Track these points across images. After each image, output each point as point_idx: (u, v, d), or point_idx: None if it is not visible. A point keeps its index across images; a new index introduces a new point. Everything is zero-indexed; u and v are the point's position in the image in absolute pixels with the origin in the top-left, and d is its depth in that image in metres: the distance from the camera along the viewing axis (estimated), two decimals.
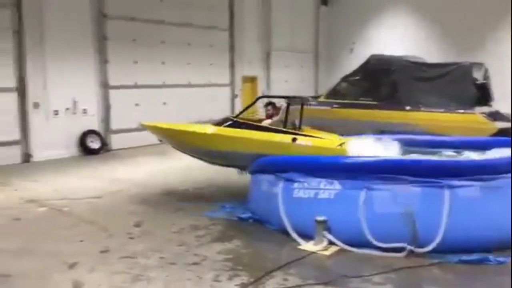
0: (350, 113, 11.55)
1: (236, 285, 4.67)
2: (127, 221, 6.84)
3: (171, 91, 14.88)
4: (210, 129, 7.67)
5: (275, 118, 8.10)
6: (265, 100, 12.55)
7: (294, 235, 5.77)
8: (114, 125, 13.43)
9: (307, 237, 5.69)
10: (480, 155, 6.77)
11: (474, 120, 10.38)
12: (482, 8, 16.85)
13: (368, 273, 4.85)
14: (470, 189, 5.40)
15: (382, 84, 11.73)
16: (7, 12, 11.15)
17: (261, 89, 18.65)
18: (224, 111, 17.02)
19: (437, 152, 7.18)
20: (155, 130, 8.28)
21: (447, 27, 17.71)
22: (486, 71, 11.21)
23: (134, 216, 7.06)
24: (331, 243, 5.57)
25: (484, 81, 11.01)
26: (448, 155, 7.04)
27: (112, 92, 13.37)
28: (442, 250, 5.21)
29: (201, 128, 7.91)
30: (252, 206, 6.81)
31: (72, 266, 5.18)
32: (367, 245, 5.41)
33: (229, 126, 7.61)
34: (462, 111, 10.64)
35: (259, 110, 8.55)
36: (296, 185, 5.99)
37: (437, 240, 5.21)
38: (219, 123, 7.85)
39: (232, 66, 17.24)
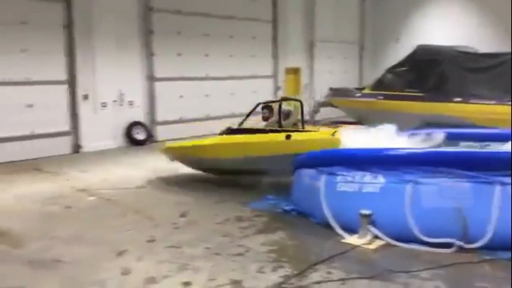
0: (396, 105, 11.31)
1: (280, 276, 4.68)
2: (172, 211, 6.99)
3: (214, 83, 15.02)
4: (209, 140, 8.28)
5: (271, 120, 8.44)
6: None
7: (338, 229, 5.72)
8: (159, 117, 13.70)
9: (351, 231, 5.63)
10: None
11: None
12: None
13: (415, 268, 4.75)
14: None
15: (429, 75, 11.40)
16: (58, 8, 11.55)
17: (304, 81, 18.53)
18: None
19: (486, 145, 6.93)
20: (168, 151, 8.85)
21: (500, 13, 16.76)
22: None
23: (179, 206, 7.20)
24: (375, 237, 5.48)
25: None
26: (496, 148, 6.77)
27: (157, 85, 13.62)
28: (493, 246, 5.03)
29: (202, 140, 8.52)
30: (295, 200, 6.78)
31: (120, 254, 5.34)
32: (413, 240, 5.29)
33: (228, 134, 8.07)
34: None
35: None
36: (339, 178, 5.93)
37: (488, 236, 5.03)
38: (221, 133, 8.27)
39: (275, 57, 17.20)
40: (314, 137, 7.38)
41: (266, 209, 6.93)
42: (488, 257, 4.96)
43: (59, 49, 11.60)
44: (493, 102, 10.43)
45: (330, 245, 5.50)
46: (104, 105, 12.48)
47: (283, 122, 8.24)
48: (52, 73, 11.49)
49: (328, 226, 5.86)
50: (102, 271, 4.87)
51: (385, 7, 20.16)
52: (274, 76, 17.32)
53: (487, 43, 14.48)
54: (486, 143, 6.93)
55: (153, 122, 13.64)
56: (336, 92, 13.67)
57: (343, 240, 5.56)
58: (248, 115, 8.46)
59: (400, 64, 12.13)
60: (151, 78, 13.52)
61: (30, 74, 11.10)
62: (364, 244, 5.39)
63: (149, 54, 13.39)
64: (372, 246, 5.36)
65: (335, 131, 7.26)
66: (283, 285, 4.49)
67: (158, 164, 10.37)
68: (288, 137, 7.39)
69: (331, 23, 19.00)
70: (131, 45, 12.98)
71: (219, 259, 5.15)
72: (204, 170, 8.67)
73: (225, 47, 15.28)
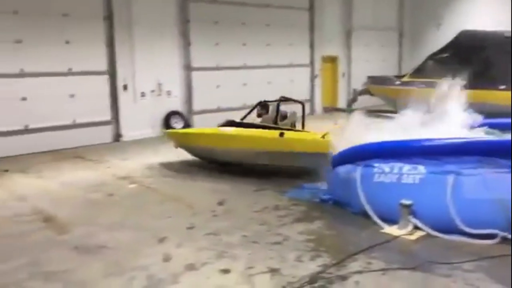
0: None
1: (318, 266, 4.68)
2: (210, 198, 7.07)
3: (251, 72, 15.02)
4: (207, 130, 8.70)
5: (265, 117, 8.63)
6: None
7: (375, 218, 5.65)
8: (196, 106, 13.84)
9: (389, 221, 5.56)
10: None
11: None
12: None
13: (457, 260, 4.64)
14: None
15: (473, 62, 11.01)
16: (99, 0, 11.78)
17: (341, 69, 18.29)
18: (303, 92, 16.96)
19: None
20: (172, 136, 9.33)
21: None
22: None
23: (217, 194, 7.28)
24: (416, 227, 5.39)
25: None
26: None
27: (194, 74, 13.74)
28: None
29: (200, 129, 8.92)
30: (332, 190, 6.72)
31: (161, 240, 5.45)
32: (454, 231, 5.17)
33: (226, 126, 8.46)
34: None
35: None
36: (376, 169, 5.85)
37: None
38: (221, 125, 8.65)
39: (312, 46, 17.02)
40: (305, 137, 7.71)
41: (303, 198, 6.92)
42: None
43: (100, 40, 11.87)
44: None
45: (369, 235, 5.45)
46: (143, 95, 12.71)
47: (280, 123, 8.46)
48: (93, 63, 11.77)
49: (366, 216, 5.80)
50: (144, 257, 4.99)
51: None
52: (311, 64, 17.16)
53: None
54: None
55: (191, 111, 13.79)
56: (374, 80, 13.44)
57: (382, 230, 5.49)
58: (251, 110, 8.76)
59: (442, 50, 11.78)
60: (188, 68, 13.65)
61: (72, 65, 11.41)
62: (404, 234, 5.31)
63: (186, 44, 13.50)
64: (412, 237, 5.27)
65: (325, 134, 7.51)
66: (321, 275, 4.48)
67: None
68: (281, 134, 7.70)
69: (369, 10, 18.61)
70: (169, 35, 13.13)
71: (257, 247, 5.19)
72: (201, 157, 9.00)
73: (262, 35, 15.23)
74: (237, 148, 8.04)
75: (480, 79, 10.65)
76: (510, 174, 5.15)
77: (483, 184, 5.23)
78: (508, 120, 7.12)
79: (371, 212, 5.74)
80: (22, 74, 10.69)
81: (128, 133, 12.33)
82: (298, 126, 8.78)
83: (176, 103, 13.44)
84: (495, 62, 10.75)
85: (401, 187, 5.61)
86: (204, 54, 13.81)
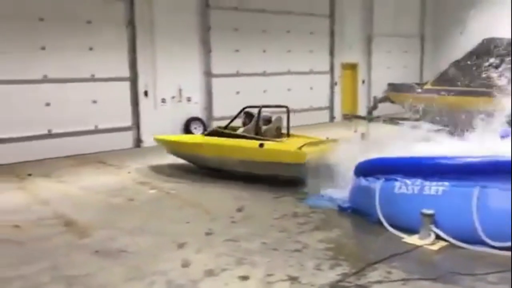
0: (460, 101, 10.82)
1: (337, 274, 4.64)
2: (229, 205, 7.09)
3: (271, 79, 15.05)
4: (191, 138, 9.14)
5: (247, 127, 8.74)
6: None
7: (392, 230, 5.59)
8: (216, 113, 13.90)
9: (409, 232, 5.49)
10: None
11: None
12: None
13: (481, 271, 4.54)
14: None
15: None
16: (121, 6, 11.98)
17: (361, 76, 18.20)
18: (323, 99, 16.92)
19: None
20: (161, 143, 9.74)
21: None
22: None
23: (236, 200, 7.29)
24: (437, 237, 5.30)
25: None
26: None
27: (214, 81, 13.83)
28: None
29: (185, 137, 9.36)
30: (352, 198, 6.67)
31: (180, 246, 5.48)
32: (477, 242, 5.08)
33: (211, 135, 8.80)
34: None
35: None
36: (398, 182, 5.79)
37: None
38: (206, 134, 9.01)
39: (332, 52, 16.99)
40: (283, 148, 7.93)
41: (322, 206, 6.88)
42: None
43: (122, 47, 12.05)
44: None
45: (389, 245, 5.38)
46: (163, 101, 12.84)
47: (264, 127, 8.70)
48: (115, 70, 11.95)
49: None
50: (164, 262, 5.01)
51: None
52: (331, 71, 17.11)
53: None
54: None
55: (211, 117, 13.86)
56: (395, 88, 13.28)
57: (403, 240, 5.42)
58: (233, 118, 9.03)
59: (465, 57, 11.59)
60: (209, 74, 13.74)
61: (95, 71, 11.60)
62: (426, 244, 5.23)
63: (207, 51, 13.61)
64: (434, 247, 5.19)
65: (303, 145, 7.75)
66: (341, 283, 4.44)
67: None
68: (261, 145, 8.02)
69: (390, 16, 18.49)
70: (190, 42, 13.25)
71: (276, 255, 5.17)
72: (193, 162, 9.35)
73: (282, 42, 15.26)
74: (219, 156, 8.44)
75: (503, 87, 10.45)
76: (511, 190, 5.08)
77: (508, 196, 5.13)
78: None
79: (386, 224, 5.70)
80: (46, 80, 10.91)
81: (148, 139, 12.40)
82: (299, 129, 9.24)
83: (196, 109, 13.53)
84: None
85: (423, 198, 5.53)
86: (224, 60, 13.89)
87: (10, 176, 9.17)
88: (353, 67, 17.98)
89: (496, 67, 10.83)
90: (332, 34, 16.92)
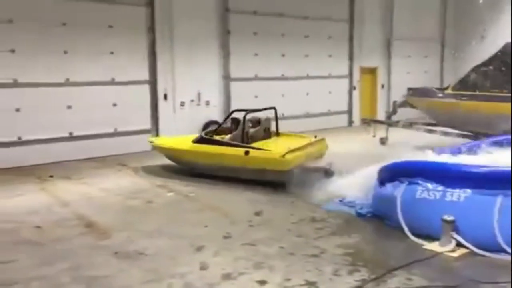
0: (481, 106, 10.66)
1: (356, 280, 4.60)
2: (247, 208, 7.10)
3: (289, 83, 15.05)
4: (180, 145, 9.30)
5: (235, 133, 8.96)
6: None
7: (412, 237, 5.54)
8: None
9: (430, 238, 5.43)
10: None
11: None
12: None
13: (503, 279, 4.47)
14: None
15: None
16: (142, 11, 12.11)
17: (380, 81, 18.08)
18: (341, 104, 16.85)
19: None
20: (156, 148, 10.00)
21: None
22: None
23: (254, 204, 7.30)
24: (458, 245, 5.23)
25: None
26: None
27: (233, 84, 13.88)
28: None
29: (177, 144, 9.50)
30: (374, 204, 6.61)
31: (198, 249, 5.50)
32: (497, 250, 5.01)
33: (199, 142, 8.99)
34: None
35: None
36: (420, 186, 5.73)
37: None
38: (194, 141, 9.15)
39: (351, 57, 16.92)
40: (267, 156, 8.14)
41: (340, 211, 6.84)
42: None
43: (142, 51, 12.17)
44: None
45: (409, 251, 5.33)
46: (182, 104, 12.93)
47: (252, 130, 9.03)
48: (135, 73, 12.08)
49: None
50: (182, 265, 5.04)
51: (469, 1, 19.10)
52: (350, 76, 17.03)
53: None
54: None
55: None
56: (415, 92, 13.15)
57: (424, 246, 5.36)
58: (222, 122, 9.34)
59: (487, 62, 11.41)
60: (227, 78, 13.80)
61: (115, 74, 11.74)
62: (446, 251, 5.16)
63: (226, 55, 13.68)
64: (454, 254, 5.12)
65: (286, 152, 7.99)
66: None
67: None
68: (246, 153, 8.27)
69: (410, 20, 18.32)
70: (209, 46, 13.33)
71: (294, 259, 5.16)
72: (184, 166, 9.58)
73: (301, 47, 15.26)
74: (206, 163, 8.74)
75: None
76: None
77: None
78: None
79: (406, 230, 5.63)
80: (68, 83, 11.08)
81: None
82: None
83: (215, 113, 13.59)
84: None
85: (444, 204, 5.46)
86: (243, 64, 13.94)
87: (32, 177, 9.32)
88: (372, 71, 17.87)
89: None
90: (351, 38, 16.85)
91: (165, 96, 12.63)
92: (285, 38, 14.86)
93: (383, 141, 12.26)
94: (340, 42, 16.53)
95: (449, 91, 11.63)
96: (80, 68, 11.18)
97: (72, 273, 4.89)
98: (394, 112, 13.58)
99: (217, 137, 9.09)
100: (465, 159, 6.52)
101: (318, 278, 4.67)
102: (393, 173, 6.27)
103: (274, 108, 9.39)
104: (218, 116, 13.65)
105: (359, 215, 6.60)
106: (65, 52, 10.97)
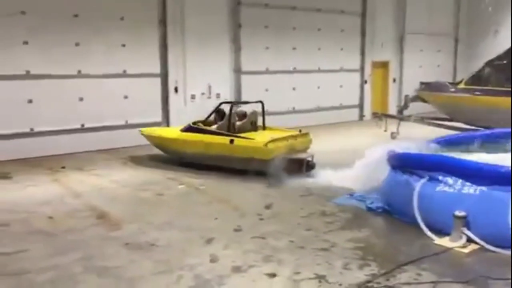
0: (495, 101, 10.55)
1: (366, 275, 4.60)
2: (257, 202, 7.12)
3: (300, 76, 15.00)
4: (170, 134, 9.63)
5: (221, 123, 9.20)
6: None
7: (427, 231, 5.48)
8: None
9: (443, 232, 5.39)
10: None
11: None
12: None
13: None
14: None
15: None
16: (154, 3, 12.12)
17: (392, 75, 17.96)
18: (353, 98, 16.77)
19: None
20: (146, 137, 10.15)
21: None
22: None
23: (263, 198, 7.31)
24: (469, 240, 5.20)
25: None
26: None
27: (244, 78, 13.87)
28: None
29: (167, 132, 9.89)
30: (384, 196, 6.59)
31: (208, 241, 5.53)
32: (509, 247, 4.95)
33: (187, 131, 9.24)
34: None
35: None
36: (441, 181, 5.69)
37: None
38: (183, 130, 9.41)
39: (363, 51, 16.80)
40: (251, 144, 8.42)
41: (350, 205, 6.83)
42: None
43: (154, 43, 12.20)
44: None
45: (419, 246, 5.31)
46: (193, 97, 12.94)
47: (239, 123, 9.23)
48: (146, 66, 12.11)
49: (418, 226, 5.65)
50: (192, 257, 5.07)
51: None
52: (361, 69, 16.93)
53: None
54: None
55: None
56: (427, 87, 13.06)
57: (434, 242, 5.34)
58: (210, 114, 9.58)
59: (501, 57, 11.29)
60: (238, 71, 13.79)
61: (127, 67, 11.78)
62: (457, 247, 5.13)
63: (237, 48, 13.66)
64: (465, 250, 5.10)
65: (269, 141, 8.30)
66: (369, 284, 4.41)
67: None
68: (231, 141, 8.52)
69: (423, 14, 18.15)
70: (220, 39, 13.31)
71: (304, 253, 5.16)
72: (173, 155, 9.80)
73: (313, 40, 15.19)
74: (193, 151, 9.00)
75: None
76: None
77: None
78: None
79: (422, 224, 5.57)
80: (79, 75, 11.15)
81: None
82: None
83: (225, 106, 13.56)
84: None
85: (460, 198, 5.41)
86: (254, 58, 13.92)
87: (44, 168, 9.42)
88: (384, 65, 17.75)
89: None
90: (363, 32, 16.73)
91: (176, 89, 12.66)
92: (297, 31, 14.79)
93: (394, 136, 12.19)
94: (352, 36, 16.42)
95: (462, 85, 11.53)
96: (92, 60, 11.23)
97: (84, 263, 4.95)
98: (406, 106, 13.50)
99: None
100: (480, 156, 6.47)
101: (328, 271, 4.67)
102: (407, 164, 6.23)
103: (261, 102, 9.71)
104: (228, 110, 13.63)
105: (369, 209, 6.58)
106: (77, 44, 11.03)
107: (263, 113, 9.69)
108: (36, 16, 10.39)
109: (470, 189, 5.41)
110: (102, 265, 4.90)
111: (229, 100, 13.50)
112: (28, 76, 10.46)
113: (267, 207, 6.88)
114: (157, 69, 12.34)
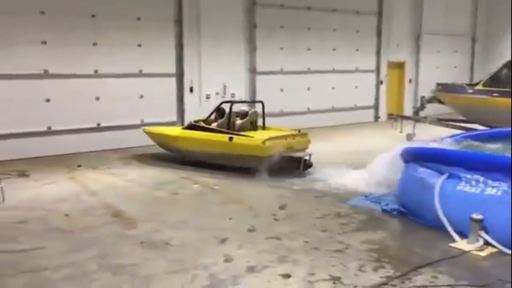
0: None
1: (381, 277, 4.56)
2: (271, 202, 7.11)
3: (315, 76, 14.95)
4: (172, 131, 9.80)
5: (220, 121, 9.38)
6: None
7: (452, 232, 5.41)
8: (259, 110, 13.90)
9: (461, 234, 5.33)
10: None
11: None
12: None
13: None
14: None
15: None
16: (170, 4, 12.19)
17: (408, 75, 17.81)
18: (368, 99, 16.66)
19: None
20: (148, 135, 10.36)
21: None
22: None
23: (278, 199, 7.30)
24: (487, 243, 5.13)
25: None
26: None
27: (258, 78, 13.87)
28: None
29: (169, 130, 10.05)
30: (401, 197, 6.53)
31: (223, 241, 5.54)
32: None
33: (188, 129, 9.51)
34: None
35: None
36: (459, 179, 5.62)
37: None
38: (184, 128, 9.73)
39: (378, 51, 16.68)
40: (249, 142, 8.59)
41: (365, 207, 6.79)
42: None
43: (170, 43, 12.27)
44: None
45: (435, 249, 5.25)
46: (208, 97, 12.98)
47: (239, 121, 9.37)
48: (162, 66, 12.19)
49: (434, 228, 5.59)
50: (206, 256, 5.08)
51: None
52: (377, 70, 16.81)
53: None
54: None
55: None
56: (444, 88, 12.91)
57: (450, 244, 5.28)
58: (212, 113, 9.70)
59: None
60: (253, 71, 13.80)
61: (143, 66, 11.86)
62: (474, 250, 5.07)
63: (252, 48, 13.67)
64: (483, 253, 5.03)
65: (267, 139, 8.46)
66: (384, 286, 4.37)
67: None
68: (230, 139, 8.69)
69: (440, 14, 17.95)
70: (235, 39, 13.34)
71: (318, 254, 5.14)
72: (174, 153, 10.00)
73: (328, 40, 15.13)
74: (193, 148, 9.19)
75: None
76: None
77: None
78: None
79: (447, 225, 5.47)
80: (96, 75, 11.26)
81: None
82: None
83: (246, 106, 13.57)
84: None
85: (482, 199, 5.35)
86: (269, 58, 13.91)
87: (61, 167, 9.53)
88: (400, 66, 17.60)
89: None
90: (379, 32, 16.61)
91: (191, 89, 12.71)
92: (312, 31, 14.75)
93: (409, 137, 12.08)
94: (368, 36, 16.31)
95: (480, 87, 11.38)
96: (108, 60, 11.33)
97: (99, 260, 4.99)
98: (422, 107, 13.38)
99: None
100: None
101: (343, 273, 4.65)
102: (424, 158, 6.17)
103: (261, 102, 9.90)
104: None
105: (385, 211, 6.53)
106: (94, 44, 11.14)
107: (263, 113, 9.83)
108: (54, 16, 10.53)
109: (492, 190, 5.32)
110: (117, 263, 4.94)
111: (242, 98, 13.56)
112: (46, 75, 10.60)
113: (282, 207, 6.87)
114: (172, 69, 12.41)
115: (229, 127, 9.16)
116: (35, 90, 10.48)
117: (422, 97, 13.73)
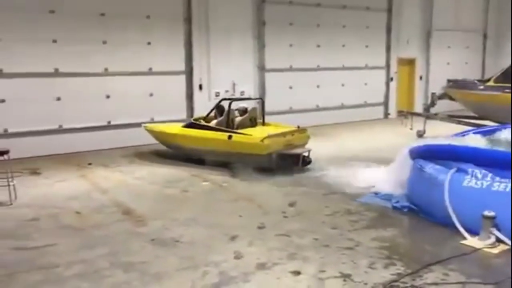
0: None
1: (391, 274, 4.55)
2: (281, 200, 7.11)
3: (324, 73, 14.89)
4: (172, 129, 9.80)
5: (221, 119, 9.41)
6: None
7: (461, 229, 5.37)
8: (268, 107, 13.80)
9: (472, 231, 5.29)
10: None
11: None
12: None
13: None
14: None
15: None
16: (179, 2, 12.19)
17: (418, 72, 17.67)
18: (378, 95, 16.57)
19: None
20: (149, 132, 10.39)
21: None
22: None
23: (287, 196, 7.29)
24: (498, 240, 5.09)
25: None
26: None
27: (268, 75, 13.85)
28: None
29: (168, 128, 10.01)
30: (411, 195, 6.50)
31: (233, 238, 5.55)
32: None
33: (188, 126, 9.56)
34: None
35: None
36: (468, 176, 5.58)
37: None
38: (184, 126, 9.73)
39: (388, 48, 16.57)
40: (248, 140, 8.61)
41: (376, 204, 6.76)
42: None
43: (179, 41, 12.28)
44: None
45: (446, 246, 5.23)
46: (217, 94, 12.97)
47: (238, 119, 9.48)
48: (171, 64, 12.21)
49: (445, 225, 5.56)
50: (216, 253, 5.10)
51: None
52: (387, 67, 16.70)
53: None
54: None
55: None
56: (455, 84, 12.80)
57: (461, 242, 5.25)
58: (211, 110, 9.77)
59: None
60: (262, 69, 13.78)
61: (152, 65, 11.90)
62: (485, 247, 5.03)
63: (261, 46, 13.64)
64: (495, 250, 4.99)
65: (265, 137, 8.45)
66: (395, 283, 4.35)
67: None
68: (229, 137, 8.73)
69: (451, 10, 17.78)
70: (244, 36, 13.32)
71: (329, 251, 5.14)
72: (176, 150, 10.01)
73: (337, 37, 15.05)
74: (193, 146, 9.24)
75: None
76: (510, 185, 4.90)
77: None
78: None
79: (456, 222, 5.44)
80: (106, 73, 11.31)
81: None
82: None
83: (249, 103, 13.57)
84: None
85: (490, 195, 5.31)
86: (278, 55, 13.87)
87: (72, 165, 9.60)
88: (410, 62, 17.47)
89: None
90: (389, 28, 16.49)
91: (201, 86, 12.73)
92: (321, 28, 14.69)
93: (420, 134, 12.00)
94: (377, 32, 16.20)
95: (491, 83, 11.26)
96: (118, 58, 11.38)
97: (110, 258, 5.03)
98: (433, 104, 13.28)
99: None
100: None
101: (353, 270, 4.64)
102: (432, 155, 6.13)
103: (261, 98, 10.01)
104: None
105: (395, 208, 6.50)
106: (104, 42, 11.19)
107: (263, 109, 9.88)
108: (64, 15, 10.59)
109: (500, 186, 5.28)
110: (128, 261, 4.97)
111: (251, 95, 13.56)
112: (56, 74, 10.68)
113: (291, 205, 6.86)
114: (182, 67, 12.43)
115: (228, 125, 9.16)
116: (46, 88, 10.57)
117: (433, 93, 13.62)
